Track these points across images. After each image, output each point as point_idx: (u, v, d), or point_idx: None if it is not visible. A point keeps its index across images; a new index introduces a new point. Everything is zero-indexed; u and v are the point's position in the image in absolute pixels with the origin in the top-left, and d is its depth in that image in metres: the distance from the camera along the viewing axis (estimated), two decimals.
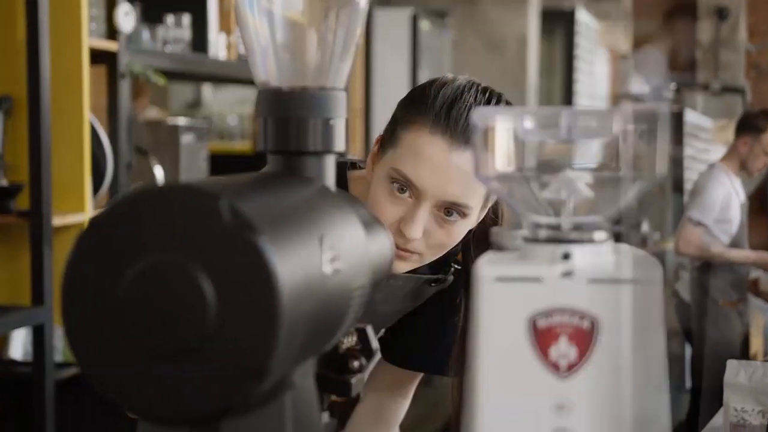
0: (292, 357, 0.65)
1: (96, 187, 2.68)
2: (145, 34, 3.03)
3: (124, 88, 2.79)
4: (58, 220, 2.49)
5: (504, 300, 0.68)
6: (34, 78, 2.41)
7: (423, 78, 5.61)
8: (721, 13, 9.35)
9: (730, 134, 8.47)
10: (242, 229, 0.60)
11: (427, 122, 1.24)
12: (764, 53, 10.08)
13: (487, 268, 0.69)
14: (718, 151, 8.08)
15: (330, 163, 0.80)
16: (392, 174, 1.25)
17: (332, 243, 0.69)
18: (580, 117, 0.68)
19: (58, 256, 2.47)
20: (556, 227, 0.71)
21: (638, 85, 5.35)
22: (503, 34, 5.67)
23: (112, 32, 2.75)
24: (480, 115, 0.70)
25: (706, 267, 4.40)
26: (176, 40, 3.11)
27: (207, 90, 5.75)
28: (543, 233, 0.70)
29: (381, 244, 0.84)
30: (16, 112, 2.52)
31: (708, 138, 7.34)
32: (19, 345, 2.71)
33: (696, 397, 4.48)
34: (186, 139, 3.16)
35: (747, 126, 4.45)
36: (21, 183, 2.47)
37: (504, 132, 0.70)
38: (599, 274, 0.67)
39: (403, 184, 1.24)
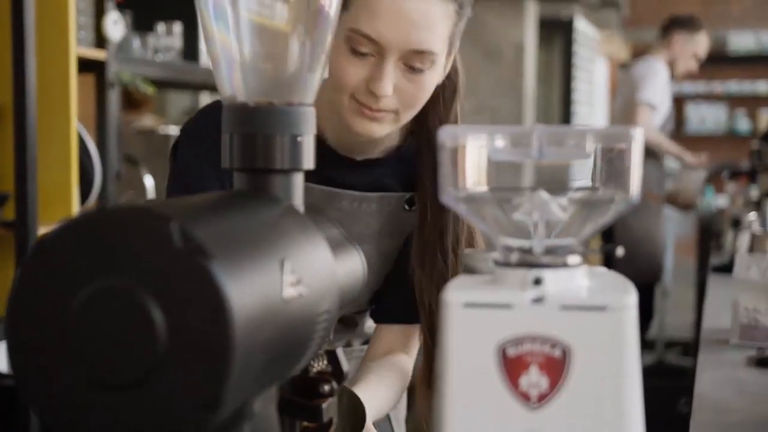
0: (249, 385, 0.62)
1: (84, 196, 2.65)
2: (136, 43, 3.01)
3: (113, 97, 2.76)
4: (44, 230, 2.46)
5: (472, 327, 0.65)
6: (20, 86, 2.38)
7: None
8: None
9: (614, 46, 8.53)
10: (193, 254, 0.57)
11: None
12: None
13: (455, 293, 0.66)
14: (601, 62, 8.18)
15: (298, 181, 0.77)
16: (349, 36, 1.21)
17: (295, 266, 0.66)
18: (552, 136, 0.65)
19: None
20: (528, 250, 0.68)
21: None
22: (500, 43, 5.65)
23: (101, 41, 2.72)
24: (448, 133, 0.67)
25: None
26: (167, 49, 3.09)
27: (204, 98, 5.72)
28: (514, 257, 0.68)
29: (350, 265, 0.81)
30: (2, 121, 2.49)
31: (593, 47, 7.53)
32: (4, 357, 2.68)
33: None
34: None
35: (685, 24, 4.47)
36: (7, 193, 2.44)
37: (473, 151, 0.67)
38: (571, 301, 0.64)
39: (362, 44, 1.21)
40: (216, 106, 1.36)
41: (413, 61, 1.22)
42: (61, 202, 2.54)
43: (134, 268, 0.57)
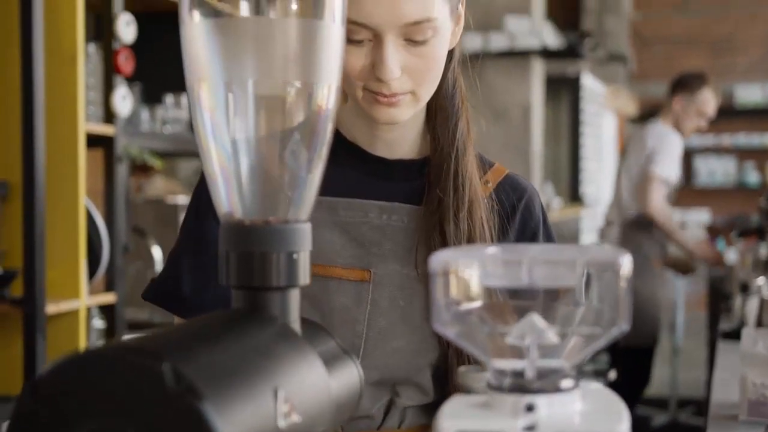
0: None
1: (92, 272, 2.66)
2: (144, 114, 3.04)
3: (121, 171, 2.79)
4: (52, 308, 2.47)
5: None
6: (29, 164, 2.41)
7: None
8: None
9: (621, 100, 8.56)
10: (185, 395, 0.57)
11: None
12: (648, 22, 10.14)
13: (448, 420, 0.66)
14: (609, 117, 8.21)
15: (294, 298, 0.78)
16: None
17: (289, 393, 0.67)
18: (542, 263, 0.66)
19: (52, 345, 2.45)
20: (521, 373, 0.68)
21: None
22: (507, 103, 5.68)
23: (109, 116, 2.75)
24: (439, 260, 0.68)
25: (637, 223, 4.42)
26: (175, 120, 3.12)
27: None
28: (507, 381, 0.68)
29: (347, 378, 0.82)
30: (11, 198, 2.51)
31: (601, 102, 7.54)
32: None
33: (615, 353, 4.48)
34: None
35: (683, 85, 4.50)
36: (15, 270, 2.46)
37: (464, 276, 0.68)
38: (564, 429, 0.64)
39: (355, 32, 1.13)
40: None
41: (413, 34, 1.14)
42: (70, 277, 2.55)
43: (126, 410, 0.58)
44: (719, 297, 4.27)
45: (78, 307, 2.57)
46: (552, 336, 0.68)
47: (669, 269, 4.85)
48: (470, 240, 1.23)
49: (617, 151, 9.29)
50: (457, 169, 1.25)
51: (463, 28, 1.26)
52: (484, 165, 1.31)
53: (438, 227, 1.23)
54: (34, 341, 2.36)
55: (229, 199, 0.79)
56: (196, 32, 0.77)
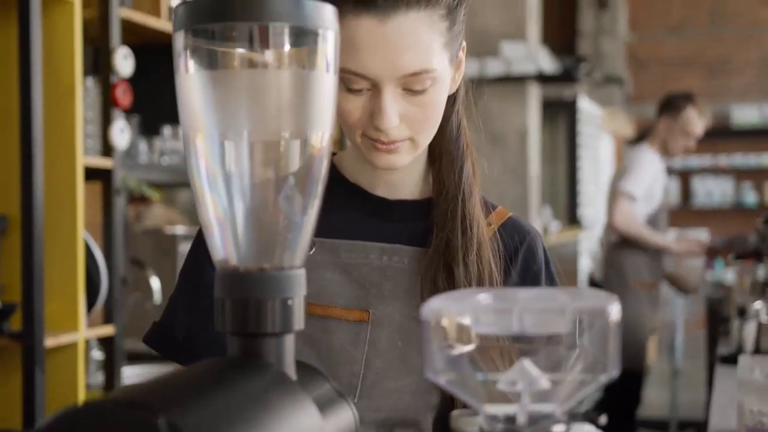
0: None
1: (90, 304, 2.67)
2: (142, 146, 3.06)
3: (119, 203, 2.80)
4: (51, 341, 2.47)
5: None
6: (28, 198, 2.42)
7: None
8: (602, 2, 9.51)
9: (618, 122, 8.58)
10: None
11: (348, 6, 1.12)
12: (644, 44, 10.20)
13: None
14: (606, 139, 8.22)
15: (289, 343, 0.79)
16: (340, 76, 1.10)
17: None
18: (532, 312, 0.67)
19: (51, 378, 2.45)
20: (512, 418, 0.69)
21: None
22: (504, 128, 5.70)
23: (107, 149, 2.77)
24: (431, 309, 0.69)
25: (621, 245, 4.44)
26: (173, 151, 3.14)
27: None
28: (499, 427, 0.69)
29: (342, 422, 0.83)
30: (10, 231, 2.53)
31: (598, 125, 7.57)
32: None
33: None
34: (185, 247, 3.16)
35: (667, 107, 4.56)
36: (14, 303, 2.47)
37: (456, 324, 0.69)
38: None
39: (354, 81, 1.14)
40: None
41: (411, 84, 1.14)
42: (68, 310, 2.56)
43: None
44: (717, 319, 4.28)
45: (77, 339, 2.57)
46: (544, 381, 0.69)
47: (669, 286, 4.86)
48: (480, 282, 1.24)
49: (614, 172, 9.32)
50: (465, 212, 1.25)
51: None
52: (488, 207, 1.32)
53: (445, 269, 1.23)
54: (33, 375, 2.37)
55: (224, 246, 0.80)
56: (191, 84, 0.79)
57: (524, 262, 1.30)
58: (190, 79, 0.79)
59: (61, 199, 2.55)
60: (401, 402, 1.22)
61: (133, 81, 2.86)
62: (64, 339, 2.53)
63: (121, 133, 2.76)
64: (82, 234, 2.57)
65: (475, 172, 1.30)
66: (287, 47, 0.78)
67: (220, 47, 0.86)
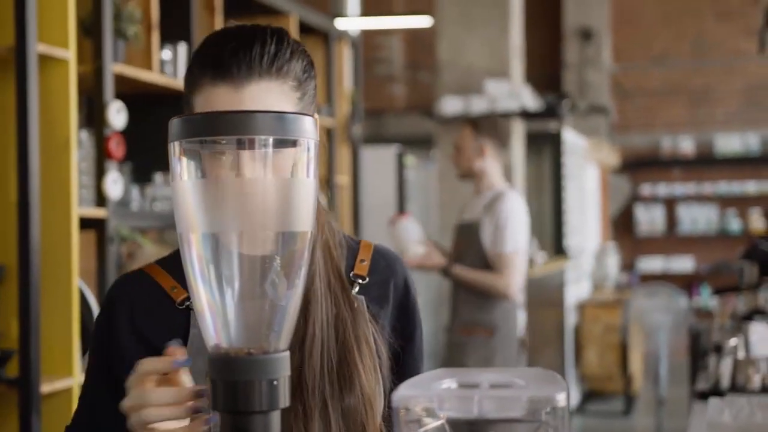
0: None
1: (85, 350, 2.75)
2: (135, 193, 3.15)
3: (112, 251, 2.89)
4: (46, 387, 2.55)
5: None
6: (25, 248, 2.51)
7: (411, 208, 5.74)
8: (586, 34, 9.60)
9: (603, 152, 8.65)
10: None
11: (206, 75, 1.19)
12: (628, 75, 10.34)
13: None
14: (591, 168, 8.31)
15: (275, 420, 0.88)
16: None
17: None
18: (492, 399, 0.76)
19: (47, 423, 2.53)
20: None
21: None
22: None
23: (101, 199, 2.86)
24: (399, 397, 0.78)
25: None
26: (164, 198, 3.23)
27: None
28: None
29: None
30: (7, 280, 2.61)
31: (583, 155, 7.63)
32: None
33: None
34: None
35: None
36: (11, 350, 2.55)
37: (422, 410, 0.78)
38: None
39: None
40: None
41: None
42: (63, 356, 2.64)
43: None
44: (699, 350, 4.34)
45: (72, 385, 2.65)
46: None
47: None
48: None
49: (600, 201, 9.43)
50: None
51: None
52: (351, 244, 1.35)
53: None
54: (30, 421, 2.44)
55: (216, 333, 0.90)
56: (185, 189, 0.89)
57: (396, 291, 1.34)
58: (184, 185, 0.88)
59: (57, 249, 2.64)
60: None
61: (126, 130, 2.95)
62: (59, 384, 2.61)
63: (115, 183, 2.85)
64: (76, 282, 2.66)
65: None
66: (271, 156, 0.88)
67: (210, 157, 0.96)
